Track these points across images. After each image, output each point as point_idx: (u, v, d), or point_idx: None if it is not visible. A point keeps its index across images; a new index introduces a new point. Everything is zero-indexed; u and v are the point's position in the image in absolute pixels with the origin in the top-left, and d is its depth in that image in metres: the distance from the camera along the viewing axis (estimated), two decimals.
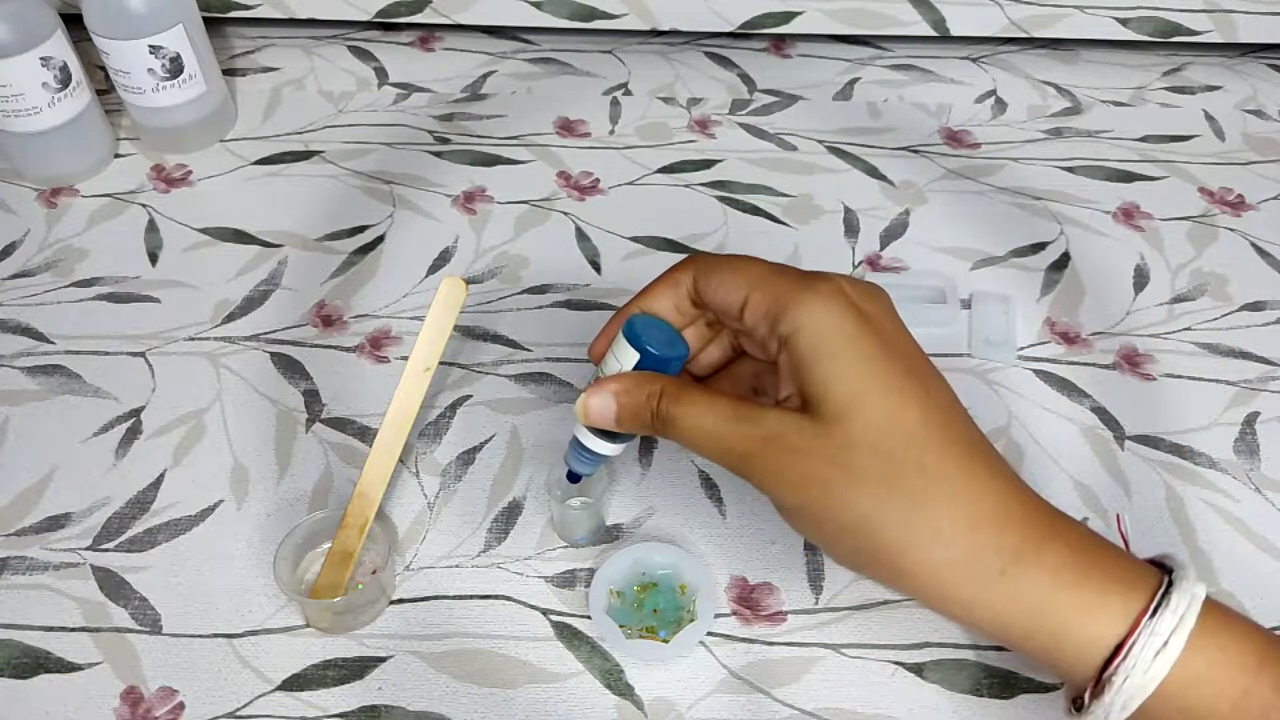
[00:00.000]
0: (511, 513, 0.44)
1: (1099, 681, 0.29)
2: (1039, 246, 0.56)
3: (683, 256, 0.36)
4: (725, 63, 0.70)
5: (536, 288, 0.54)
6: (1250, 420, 0.48)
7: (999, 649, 0.40)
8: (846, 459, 0.30)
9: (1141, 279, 0.55)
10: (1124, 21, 0.67)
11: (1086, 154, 0.63)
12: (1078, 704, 0.30)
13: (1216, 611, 0.30)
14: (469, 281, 0.42)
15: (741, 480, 0.46)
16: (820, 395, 0.31)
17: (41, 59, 0.55)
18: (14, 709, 0.38)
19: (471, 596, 0.42)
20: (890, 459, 0.30)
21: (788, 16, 0.67)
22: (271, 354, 0.51)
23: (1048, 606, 0.29)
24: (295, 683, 0.39)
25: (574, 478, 0.38)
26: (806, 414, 0.31)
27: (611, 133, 0.64)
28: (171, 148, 0.62)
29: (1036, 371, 0.50)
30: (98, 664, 0.40)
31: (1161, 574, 0.30)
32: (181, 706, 0.38)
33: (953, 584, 0.30)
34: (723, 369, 0.38)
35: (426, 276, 0.55)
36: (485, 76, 0.69)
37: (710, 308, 0.35)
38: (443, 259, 0.56)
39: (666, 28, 0.69)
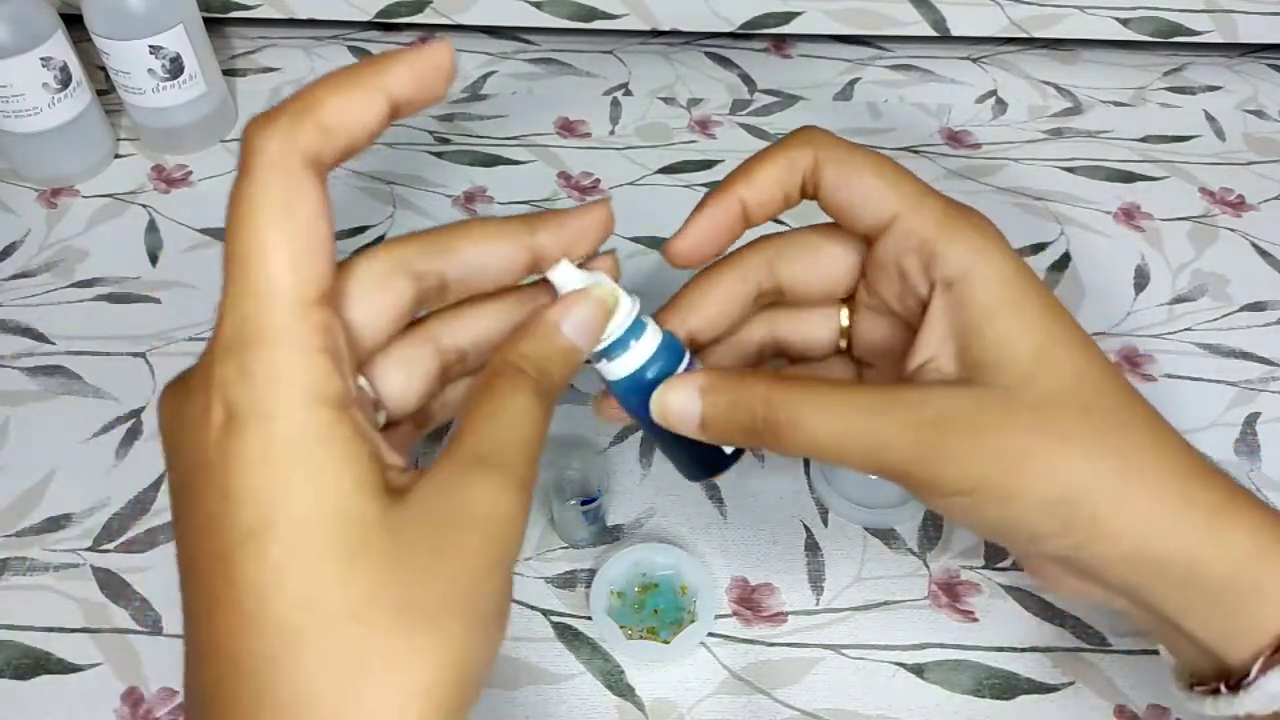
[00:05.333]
0: None
1: (1247, 673, 0.26)
2: (1039, 247, 0.56)
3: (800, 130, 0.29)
4: (725, 63, 0.70)
5: None
6: (1251, 421, 0.48)
7: (999, 649, 0.40)
8: (1046, 424, 0.26)
9: (1142, 279, 0.55)
10: (1124, 21, 0.67)
11: (1087, 154, 0.63)
12: (1199, 682, 0.28)
13: None
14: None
15: (742, 481, 0.46)
16: (1000, 356, 0.27)
17: (41, 59, 0.55)
18: (14, 710, 0.38)
19: None
20: (1091, 415, 0.27)
21: (788, 17, 0.67)
22: None
23: (1252, 563, 0.26)
24: None
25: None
26: (979, 383, 0.27)
27: (612, 133, 0.64)
28: (171, 148, 0.62)
29: None
30: (98, 665, 0.40)
31: None
32: (183, 708, 0.38)
33: (1159, 539, 0.27)
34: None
35: None
36: (485, 77, 0.69)
37: (831, 210, 0.29)
38: None
39: (667, 28, 0.69)
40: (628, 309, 0.28)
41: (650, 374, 0.28)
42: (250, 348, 0.23)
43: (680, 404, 0.28)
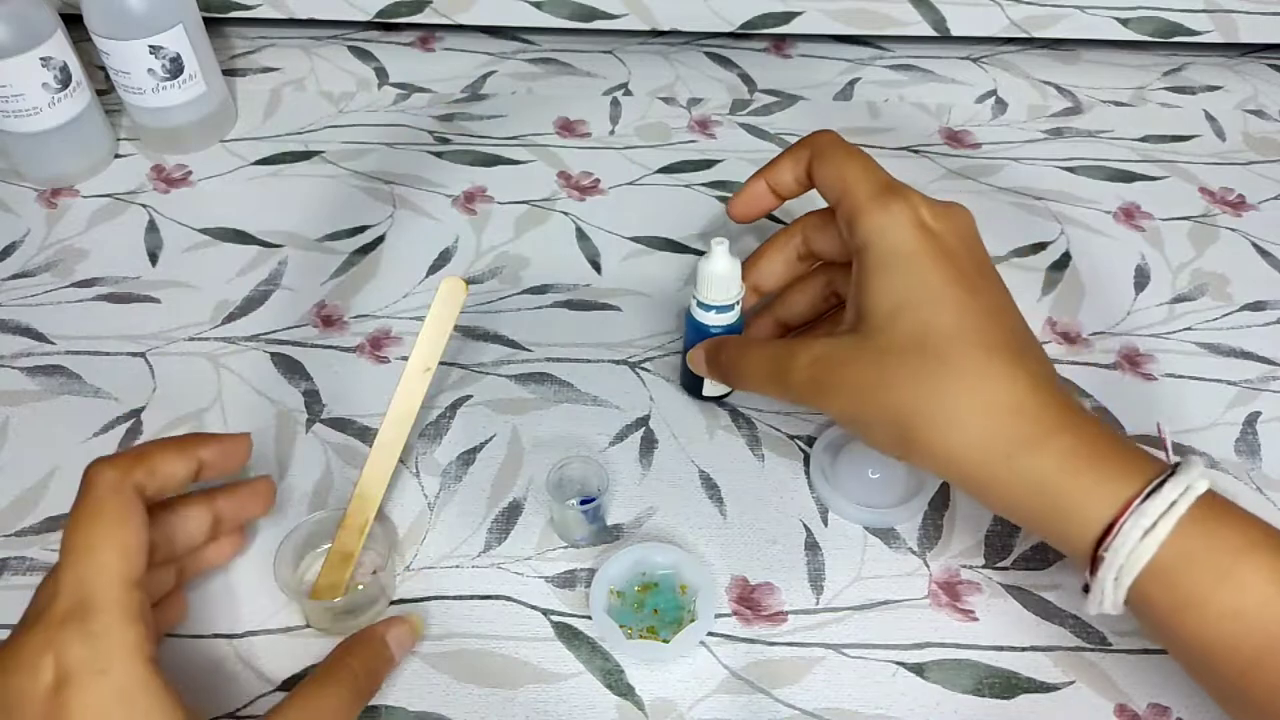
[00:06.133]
0: (511, 513, 0.44)
1: (1094, 559, 0.32)
2: (1039, 246, 0.56)
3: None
4: (725, 63, 0.70)
5: (537, 288, 0.54)
6: (1251, 420, 0.48)
7: (1000, 648, 0.40)
8: (882, 363, 0.35)
9: (1142, 279, 0.55)
10: (1124, 21, 0.67)
11: (1087, 154, 0.63)
12: (1086, 588, 0.33)
13: (1216, 503, 0.32)
14: (469, 281, 0.43)
15: (742, 480, 0.46)
16: (869, 308, 0.36)
17: (41, 59, 0.55)
18: None
19: (472, 597, 0.42)
20: (920, 358, 0.34)
21: (788, 17, 0.67)
22: (272, 354, 0.51)
23: (1051, 490, 0.33)
24: (296, 683, 0.39)
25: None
26: (857, 332, 0.36)
27: (612, 133, 0.64)
28: (171, 148, 0.62)
29: None
30: None
31: (1167, 470, 0.32)
32: None
33: (971, 466, 0.34)
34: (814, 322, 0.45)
35: (427, 277, 0.55)
36: (485, 76, 0.69)
37: (820, 193, 0.40)
38: (443, 259, 0.56)
39: (667, 28, 0.69)
40: (738, 290, 0.43)
41: (728, 326, 0.45)
42: (93, 614, 0.30)
43: (696, 358, 0.45)
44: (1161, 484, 0.32)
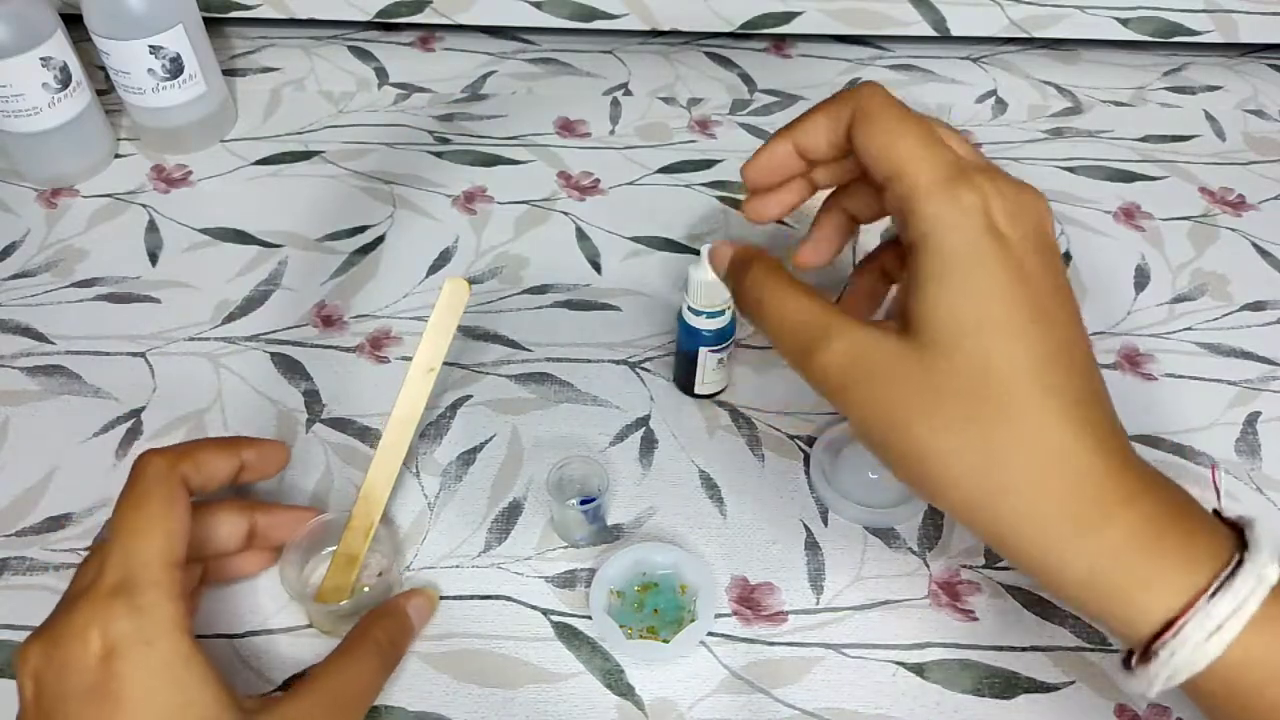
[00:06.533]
0: (512, 513, 0.44)
1: (1147, 651, 0.28)
2: None
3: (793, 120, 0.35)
4: (725, 63, 0.70)
5: (537, 288, 0.54)
6: (1251, 420, 0.48)
7: (1000, 648, 0.40)
8: (934, 394, 0.29)
9: (1142, 279, 0.55)
10: (1124, 21, 0.67)
11: (1087, 154, 0.63)
12: (1129, 661, 0.30)
13: None
14: (471, 282, 0.43)
15: (742, 480, 0.46)
16: (925, 319, 0.30)
17: (41, 59, 0.54)
18: (15, 711, 0.38)
19: (472, 597, 0.42)
20: (978, 401, 0.29)
21: (788, 16, 0.67)
22: (272, 354, 0.51)
23: (1109, 574, 0.28)
24: (296, 683, 0.39)
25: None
26: (903, 335, 0.30)
27: (612, 133, 0.64)
28: (171, 148, 0.62)
29: None
30: None
31: (1235, 549, 0.29)
32: None
33: (1024, 541, 0.29)
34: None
35: (427, 277, 0.55)
36: (485, 76, 0.69)
37: (860, 158, 0.32)
38: (443, 259, 0.56)
39: (667, 28, 0.69)
40: (728, 295, 0.40)
41: (719, 330, 0.45)
42: (139, 591, 0.32)
43: (723, 251, 0.37)
44: (1232, 574, 0.28)
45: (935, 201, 0.30)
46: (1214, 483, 0.38)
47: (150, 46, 0.57)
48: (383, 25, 0.73)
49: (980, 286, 0.29)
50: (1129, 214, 0.59)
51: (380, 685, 0.37)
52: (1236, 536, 0.29)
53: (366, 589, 0.40)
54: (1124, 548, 0.28)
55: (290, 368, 0.50)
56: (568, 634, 0.40)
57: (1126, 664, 0.30)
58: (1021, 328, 0.29)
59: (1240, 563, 0.28)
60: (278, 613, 0.41)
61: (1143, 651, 0.29)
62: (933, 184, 0.30)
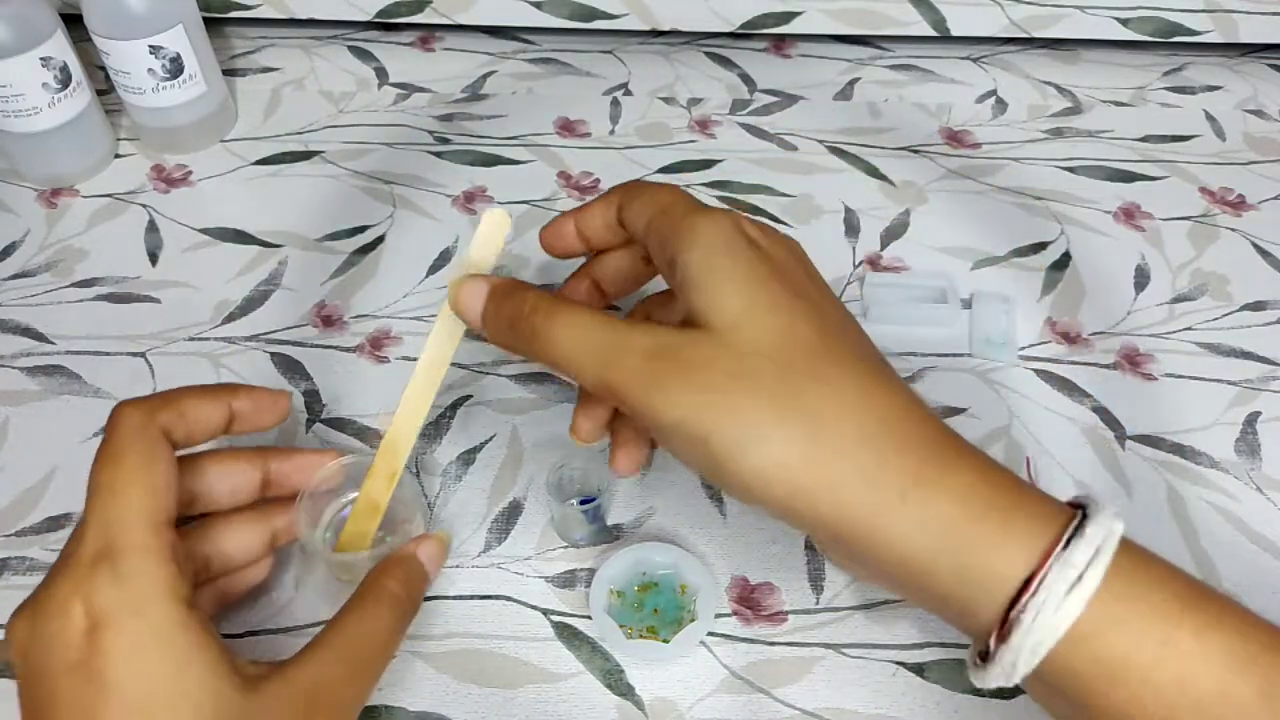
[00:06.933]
0: (511, 513, 0.44)
1: (1005, 622, 0.27)
2: (1039, 246, 0.56)
3: None
4: (725, 63, 0.70)
5: (537, 287, 0.54)
6: (1251, 420, 0.48)
7: None
8: (747, 368, 0.29)
9: (1142, 279, 0.55)
10: (1124, 21, 0.67)
11: (1087, 154, 0.63)
12: (984, 655, 0.28)
13: (1135, 553, 0.27)
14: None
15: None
16: (709, 307, 0.30)
17: (41, 59, 0.55)
18: (15, 710, 0.38)
19: (472, 597, 0.42)
20: (789, 369, 0.28)
21: (788, 16, 0.67)
22: (272, 354, 0.51)
23: (952, 536, 0.27)
24: None
25: None
26: (700, 328, 0.30)
27: (612, 133, 0.64)
28: (171, 148, 0.62)
29: (1037, 371, 0.50)
30: None
31: (1074, 509, 0.28)
32: None
33: (853, 504, 0.27)
34: None
35: (427, 276, 0.55)
36: (485, 76, 0.69)
37: (627, 229, 0.35)
38: (443, 259, 0.56)
39: (667, 28, 0.69)
40: None
41: None
42: (122, 556, 0.29)
43: (469, 296, 0.34)
44: (1080, 526, 0.27)
45: (694, 216, 0.32)
46: (1028, 474, 0.37)
47: (150, 46, 0.57)
48: (383, 25, 0.73)
49: (750, 275, 0.30)
50: (1129, 214, 0.59)
51: (398, 639, 0.35)
52: (1067, 505, 0.29)
53: (388, 539, 0.39)
54: (965, 507, 0.27)
55: (290, 368, 0.50)
56: (568, 634, 0.40)
57: (982, 658, 0.28)
58: (798, 306, 0.30)
59: (1085, 518, 0.27)
60: (278, 613, 0.41)
61: (1000, 628, 0.27)
62: (691, 209, 0.32)
